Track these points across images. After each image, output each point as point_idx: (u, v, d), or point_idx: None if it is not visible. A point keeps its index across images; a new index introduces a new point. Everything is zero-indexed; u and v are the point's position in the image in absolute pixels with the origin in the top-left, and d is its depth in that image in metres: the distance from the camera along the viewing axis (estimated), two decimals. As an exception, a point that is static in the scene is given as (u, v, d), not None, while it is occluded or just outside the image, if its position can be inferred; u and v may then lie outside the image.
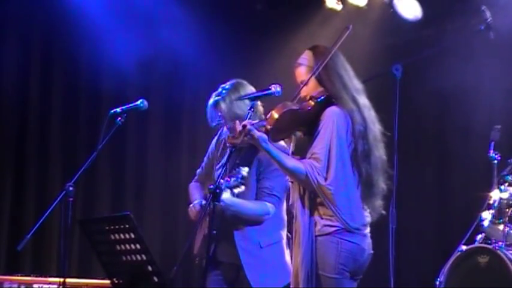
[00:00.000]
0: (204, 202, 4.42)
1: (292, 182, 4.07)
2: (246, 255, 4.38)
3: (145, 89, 7.46)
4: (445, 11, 7.18)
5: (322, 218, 3.88)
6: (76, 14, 7.24)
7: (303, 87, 4.02)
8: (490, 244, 5.96)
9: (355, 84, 4.06)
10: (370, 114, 4.03)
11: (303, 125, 3.99)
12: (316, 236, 3.87)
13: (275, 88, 3.99)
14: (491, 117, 6.92)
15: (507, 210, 5.98)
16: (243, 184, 4.01)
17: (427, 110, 7.59)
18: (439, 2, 7.22)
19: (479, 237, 6.11)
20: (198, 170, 4.83)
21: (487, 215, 6.02)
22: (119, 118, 4.55)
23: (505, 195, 5.99)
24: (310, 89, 4.03)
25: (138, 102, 4.64)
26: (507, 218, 5.97)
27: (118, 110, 4.57)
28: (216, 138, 4.71)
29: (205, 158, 4.76)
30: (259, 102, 4.35)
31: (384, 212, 4.05)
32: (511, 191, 6.01)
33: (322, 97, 3.97)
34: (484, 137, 6.31)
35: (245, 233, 4.41)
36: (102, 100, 7.56)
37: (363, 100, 4.04)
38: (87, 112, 7.58)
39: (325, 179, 3.83)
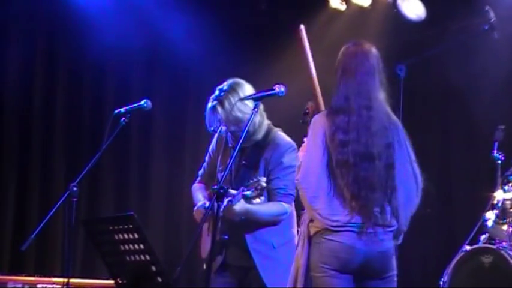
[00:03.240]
0: (208, 204, 4.38)
1: None
2: (259, 256, 4.31)
3: (149, 89, 7.46)
4: (449, 11, 7.16)
5: (311, 220, 3.84)
6: (80, 13, 7.25)
7: None
8: (493, 244, 5.96)
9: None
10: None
11: None
12: (308, 237, 3.85)
13: (279, 88, 3.96)
14: (495, 117, 6.90)
15: (511, 210, 5.98)
16: (261, 195, 4.05)
17: (431, 110, 7.58)
18: (443, 2, 7.21)
19: (483, 237, 6.11)
20: (200, 171, 4.72)
21: (490, 215, 6.02)
22: (123, 118, 4.53)
23: (508, 196, 5.99)
24: None
25: (142, 102, 4.63)
26: (511, 218, 5.97)
27: (122, 110, 4.55)
28: (216, 136, 4.60)
29: (206, 158, 4.67)
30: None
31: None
32: (515, 191, 6.01)
33: None
34: (488, 137, 6.31)
35: (257, 234, 4.33)
36: (106, 100, 7.58)
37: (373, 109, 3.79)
38: (91, 112, 7.59)
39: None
